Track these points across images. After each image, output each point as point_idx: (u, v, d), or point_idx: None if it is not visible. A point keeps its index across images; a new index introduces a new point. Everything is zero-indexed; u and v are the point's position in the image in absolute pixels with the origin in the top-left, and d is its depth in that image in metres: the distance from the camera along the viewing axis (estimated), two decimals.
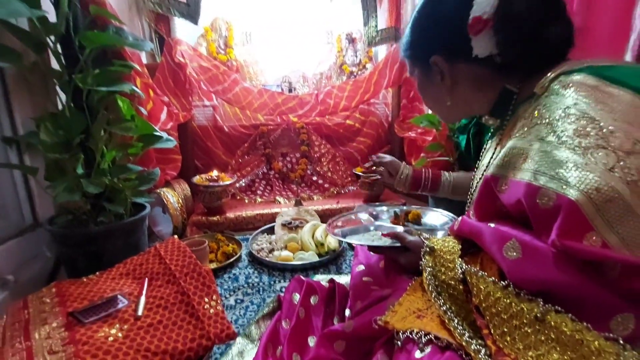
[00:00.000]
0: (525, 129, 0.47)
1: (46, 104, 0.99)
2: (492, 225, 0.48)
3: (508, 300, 0.41)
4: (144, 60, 1.61)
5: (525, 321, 0.39)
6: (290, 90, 2.18)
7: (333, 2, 2.25)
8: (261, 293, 1.03)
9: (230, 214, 1.52)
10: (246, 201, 1.74)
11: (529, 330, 0.39)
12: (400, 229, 0.78)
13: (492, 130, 0.65)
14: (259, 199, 1.76)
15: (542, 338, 0.37)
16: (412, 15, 0.61)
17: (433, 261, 0.55)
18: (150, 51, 1.69)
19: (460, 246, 0.54)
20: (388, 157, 1.01)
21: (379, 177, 1.02)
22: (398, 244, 0.71)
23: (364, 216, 0.98)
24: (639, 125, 0.39)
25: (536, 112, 0.46)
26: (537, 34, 0.50)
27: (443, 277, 0.52)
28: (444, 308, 0.50)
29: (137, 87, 1.18)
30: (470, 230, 0.53)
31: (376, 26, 1.94)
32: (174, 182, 1.51)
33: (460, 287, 0.49)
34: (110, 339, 0.60)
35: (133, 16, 1.59)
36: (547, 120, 0.44)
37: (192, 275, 0.78)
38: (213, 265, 1.16)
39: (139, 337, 0.61)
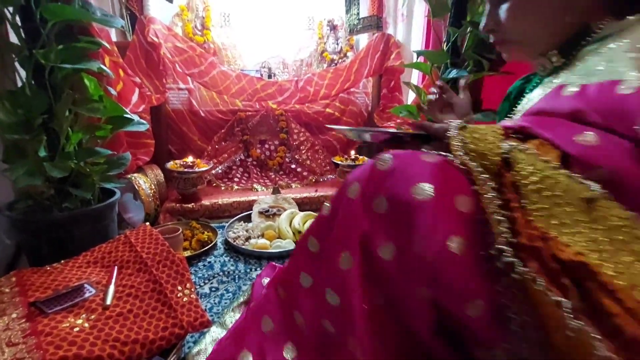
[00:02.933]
0: (604, 48, 0.48)
1: (3, 81, 0.91)
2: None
3: (558, 179, 0.39)
4: (114, 38, 1.52)
5: (571, 201, 0.38)
6: (269, 76, 2.13)
7: None
8: (237, 281, 1.02)
9: (206, 202, 1.48)
10: (222, 188, 1.71)
11: (573, 210, 0.38)
12: None
13: (538, 80, 0.62)
14: (236, 187, 1.72)
15: (586, 219, 0.37)
16: None
17: (463, 135, 0.49)
18: (121, 28, 1.60)
19: (501, 130, 0.49)
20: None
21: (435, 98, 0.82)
22: (422, 133, 0.61)
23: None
24: None
25: (619, 37, 0.47)
26: None
27: (475, 147, 0.47)
28: (472, 164, 0.45)
29: (105, 65, 1.11)
30: (537, 123, 0.48)
31: (358, 14, 1.92)
32: (146, 168, 1.45)
33: (496, 159, 0.45)
34: (76, 329, 0.57)
35: None
36: (628, 40, 0.45)
37: (164, 263, 0.75)
38: (187, 253, 1.13)
39: (107, 326, 0.59)
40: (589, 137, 0.41)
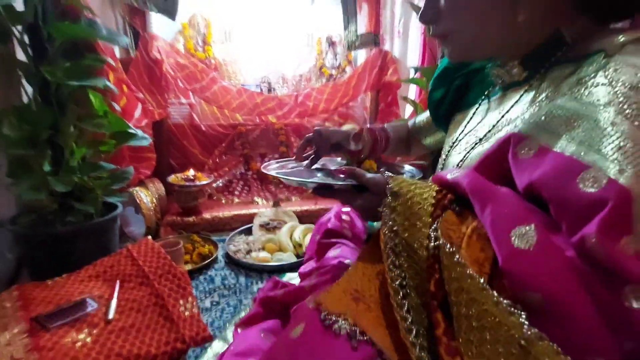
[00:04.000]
0: (583, 89, 0.37)
1: (10, 97, 0.93)
2: (505, 190, 0.37)
3: (485, 307, 0.32)
4: (118, 55, 1.55)
5: (500, 338, 0.30)
6: (269, 91, 2.16)
7: (314, 4, 2.26)
8: (238, 295, 1.02)
9: (207, 215, 1.49)
10: (223, 202, 1.71)
11: (500, 350, 0.30)
12: None
13: (499, 86, 0.53)
14: (237, 200, 1.73)
15: None
16: None
17: (396, 212, 0.41)
18: (125, 46, 1.63)
19: (435, 196, 0.41)
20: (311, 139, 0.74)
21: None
22: (352, 183, 0.54)
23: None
24: None
25: (603, 72, 0.36)
26: None
27: (405, 234, 0.39)
28: (398, 282, 0.38)
29: (110, 82, 1.13)
30: (472, 190, 0.38)
31: (356, 31, 1.97)
32: (148, 182, 1.46)
33: (425, 254, 0.37)
34: (78, 344, 0.57)
35: (106, 9, 1.53)
36: (618, 85, 0.34)
37: (166, 276, 0.75)
38: (188, 267, 1.13)
39: (110, 341, 0.59)
40: (529, 234, 0.32)
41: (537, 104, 0.42)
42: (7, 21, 0.82)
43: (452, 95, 0.64)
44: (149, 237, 0.88)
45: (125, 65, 1.39)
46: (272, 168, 0.71)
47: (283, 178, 0.60)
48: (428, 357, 0.34)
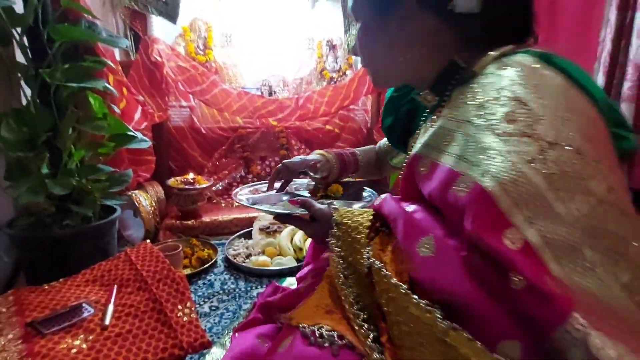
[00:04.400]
0: (456, 109, 0.42)
1: (9, 99, 0.93)
2: (411, 209, 0.43)
3: (410, 310, 0.35)
4: (118, 58, 1.55)
5: (428, 339, 0.34)
6: (270, 94, 2.16)
7: (314, 8, 2.26)
8: (237, 300, 1.00)
9: (206, 218, 1.48)
10: (223, 205, 1.70)
11: (425, 344, 0.34)
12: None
13: (426, 112, 0.57)
14: (236, 203, 1.72)
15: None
16: None
17: (340, 241, 0.48)
18: (125, 48, 1.63)
19: (370, 221, 0.48)
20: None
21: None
22: (306, 213, 0.63)
23: (278, 185, 0.84)
24: (566, 113, 0.36)
25: (469, 92, 0.42)
26: (522, 8, 0.46)
27: (351, 258, 0.46)
28: (353, 297, 0.44)
29: (110, 84, 1.13)
30: (388, 213, 0.46)
31: (356, 34, 1.97)
32: (146, 185, 1.45)
33: (365, 271, 0.43)
34: (74, 350, 0.56)
35: (107, 12, 1.53)
36: (479, 100, 0.40)
37: (164, 281, 0.74)
38: (187, 271, 1.12)
39: (106, 348, 0.58)
40: (430, 243, 0.37)
41: (434, 125, 0.47)
42: (7, 23, 0.82)
43: (403, 120, 0.69)
44: (148, 240, 0.87)
45: (125, 68, 1.39)
46: (243, 193, 0.81)
47: (249, 206, 0.72)
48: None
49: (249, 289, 1.06)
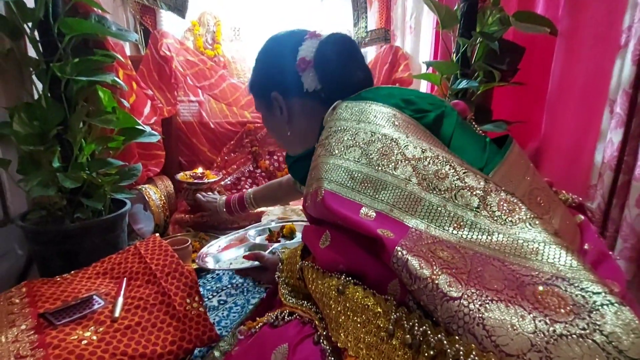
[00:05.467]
0: (318, 149, 0.57)
1: (21, 94, 0.94)
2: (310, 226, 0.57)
3: (320, 281, 0.46)
4: (128, 52, 1.56)
5: (332, 296, 0.43)
6: None
7: (323, 2, 2.24)
8: (245, 294, 1.01)
9: None
10: None
11: (332, 304, 0.42)
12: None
13: None
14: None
15: (342, 310, 0.41)
16: (255, 59, 0.76)
17: (284, 270, 0.59)
18: (135, 42, 1.64)
19: (300, 252, 0.59)
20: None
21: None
22: (258, 264, 0.75)
23: (252, 232, 1.03)
24: (363, 124, 0.53)
25: (321, 136, 0.58)
26: (345, 74, 0.66)
27: (292, 281, 0.56)
28: (313, 310, 0.52)
29: (119, 78, 1.13)
30: (304, 237, 0.58)
31: (366, 27, 1.94)
32: (156, 179, 1.46)
33: (298, 276, 0.54)
34: (84, 342, 0.56)
35: (117, 7, 1.54)
36: (323, 139, 0.56)
37: (173, 275, 0.75)
38: (196, 265, 1.12)
39: (115, 340, 0.58)
40: (327, 237, 0.48)
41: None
42: (19, 18, 0.82)
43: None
44: (157, 234, 0.88)
45: (135, 63, 1.39)
46: (210, 252, 0.95)
47: (205, 267, 0.89)
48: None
49: (256, 284, 1.06)
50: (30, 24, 0.85)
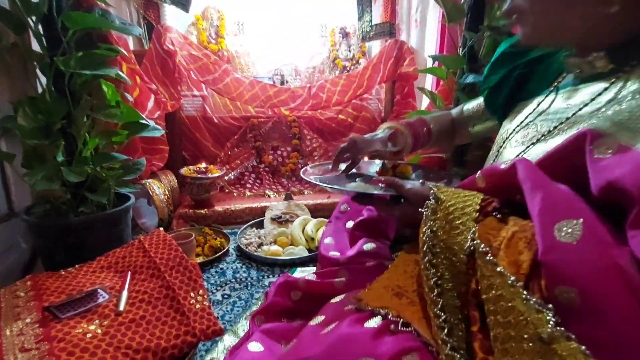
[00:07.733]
0: None
1: (25, 88, 0.94)
2: (558, 185, 0.35)
3: (512, 303, 0.31)
4: (131, 47, 1.55)
5: (525, 335, 0.29)
6: (282, 83, 2.14)
7: None
8: (249, 288, 1.01)
9: (219, 207, 1.48)
10: (235, 194, 1.71)
11: (525, 347, 0.29)
12: None
13: (573, 78, 0.50)
14: (249, 193, 1.72)
15: None
16: None
17: (437, 215, 0.41)
18: (138, 36, 1.63)
19: (480, 203, 0.40)
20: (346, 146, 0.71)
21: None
22: (392, 193, 0.55)
23: (343, 166, 0.75)
24: None
25: None
26: None
27: (445, 236, 0.39)
28: (433, 280, 0.38)
29: (123, 72, 1.13)
30: (524, 179, 0.36)
31: (370, 21, 1.92)
32: (160, 173, 1.47)
33: (463, 257, 0.37)
34: (89, 335, 0.57)
35: (120, 1, 1.53)
36: None
37: (177, 269, 0.75)
38: (200, 259, 1.12)
39: (120, 333, 0.58)
40: (575, 228, 0.30)
41: (620, 101, 0.40)
42: (23, 12, 0.82)
43: (511, 83, 0.61)
44: (161, 228, 0.88)
45: (138, 57, 1.39)
46: (309, 173, 0.72)
47: (324, 186, 0.62)
48: (458, 356, 0.34)
49: (260, 278, 1.06)
50: (34, 18, 0.85)
